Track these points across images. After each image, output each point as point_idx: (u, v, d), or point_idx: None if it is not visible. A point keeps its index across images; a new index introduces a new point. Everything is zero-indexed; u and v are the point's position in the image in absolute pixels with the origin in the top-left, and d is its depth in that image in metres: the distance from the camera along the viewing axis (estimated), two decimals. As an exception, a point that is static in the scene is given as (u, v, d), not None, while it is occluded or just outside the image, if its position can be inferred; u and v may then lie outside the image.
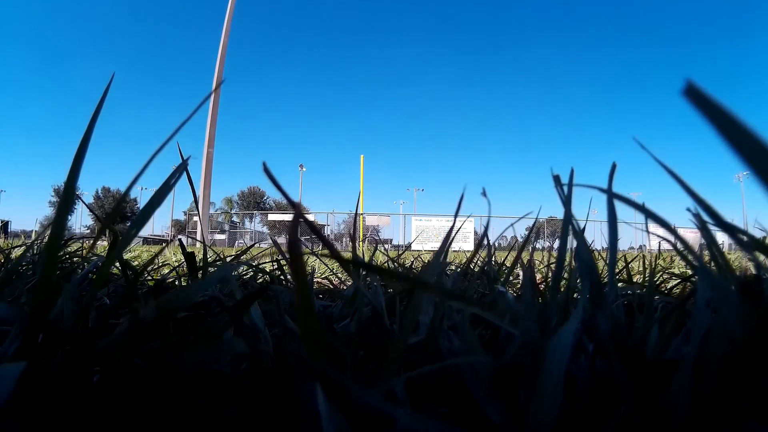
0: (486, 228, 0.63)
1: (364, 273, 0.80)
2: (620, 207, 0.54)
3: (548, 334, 0.38)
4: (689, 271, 1.61)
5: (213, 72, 13.50)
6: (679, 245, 0.66)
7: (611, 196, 0.52)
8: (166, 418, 0.40)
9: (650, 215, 0.49)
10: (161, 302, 0.29)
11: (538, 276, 1.25)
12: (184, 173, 0.58)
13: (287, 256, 0.29)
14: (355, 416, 0.32)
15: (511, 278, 1.13)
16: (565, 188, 0.54)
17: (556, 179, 0.54)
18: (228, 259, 1.17)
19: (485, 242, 0.83)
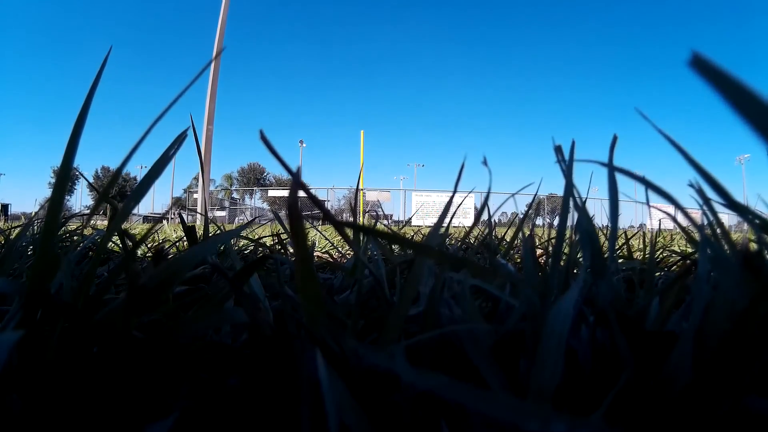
0: (486, 198, 0.62)
1: (364, 245, 0.80)
2: (621, 186, 0.53)
3: (549, 303, 0.38)
4: (689, 249, 1.61)
5: (212, 49, 13.36)
6: (679, 217, 0.66)
7: (612, 168, 0.51)
8: (166, 390, 0.40)
9: (651, 186, 0.49)
10: (161, 268, 0.28)
11: (539, 251, 1.25)
12: (183, 147, 0.57)
13: (287, 221, 0.28)
14: (355, 382, 0.32)
15: (511, 252, 1.13)
16: (567, 161, 0.54)
17: (558, 149, 0.54)
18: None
19: (485, 214, 0.83)
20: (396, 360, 0.18)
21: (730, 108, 0.23)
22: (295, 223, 0.24)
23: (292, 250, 1.16)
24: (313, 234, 2.16)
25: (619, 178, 0.52)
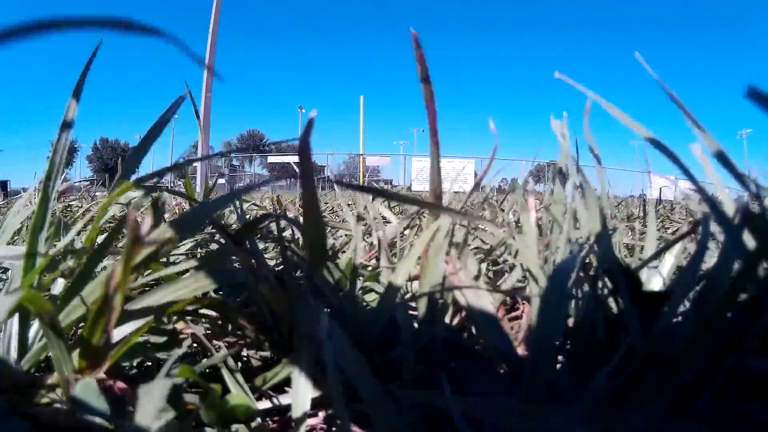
0: (493, 150, 0.61)
1: (364, 210, 0.80)
2: (620, 158, 0.53)
3: (550, 260, 0.38)
4: (690, 218, 1.61)
5: (209, 18, 13.13)
6: (681, 184, 0.65)
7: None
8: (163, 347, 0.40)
9: (653, 142, 0.48)
10: (170, 224, 0.28)
11: (539, 215, 1.24)
12: (182, 120, 0.56)
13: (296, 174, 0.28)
14: (356, 337, 0.32)
15: (511, 216, 1.13)
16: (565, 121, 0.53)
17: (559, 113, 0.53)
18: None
19: (487, 172, 0.82)
20: (397, 311, 0.18)
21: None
22: (305, 162, 0.23)
23: (291, 215, 1.16)
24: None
25: (619, 150, 0.52)
